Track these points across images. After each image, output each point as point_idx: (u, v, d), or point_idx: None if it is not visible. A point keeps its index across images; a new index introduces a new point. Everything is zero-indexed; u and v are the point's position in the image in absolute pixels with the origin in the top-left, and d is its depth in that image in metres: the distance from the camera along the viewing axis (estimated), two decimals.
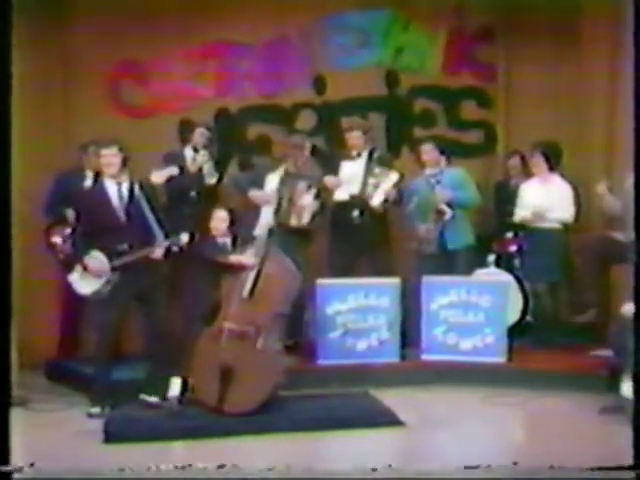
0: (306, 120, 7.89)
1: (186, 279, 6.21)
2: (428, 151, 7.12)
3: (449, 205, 6.91)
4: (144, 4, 7.22)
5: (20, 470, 4.00)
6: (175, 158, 6.99)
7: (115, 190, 5.67)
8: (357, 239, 6.89)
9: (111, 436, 5.04)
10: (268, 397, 5.41)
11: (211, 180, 7.05)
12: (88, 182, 6.58)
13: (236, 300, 5.58)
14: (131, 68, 7.53)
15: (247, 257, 5.68)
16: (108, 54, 7.35)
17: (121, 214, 5.64)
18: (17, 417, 4.26)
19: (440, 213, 6.89)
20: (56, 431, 5.29)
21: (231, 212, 6.23)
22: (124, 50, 7.38)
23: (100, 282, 5.56)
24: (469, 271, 7.01)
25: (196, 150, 7.07)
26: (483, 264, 7.35)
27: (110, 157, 5.66)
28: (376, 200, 6.87)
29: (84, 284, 5.63)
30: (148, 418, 5.41)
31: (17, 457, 3.97)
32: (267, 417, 5.35)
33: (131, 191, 5.69)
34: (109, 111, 7.41)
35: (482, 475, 4.23)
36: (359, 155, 7.05)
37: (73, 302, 6.39)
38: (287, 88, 7.84)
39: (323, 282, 6.54)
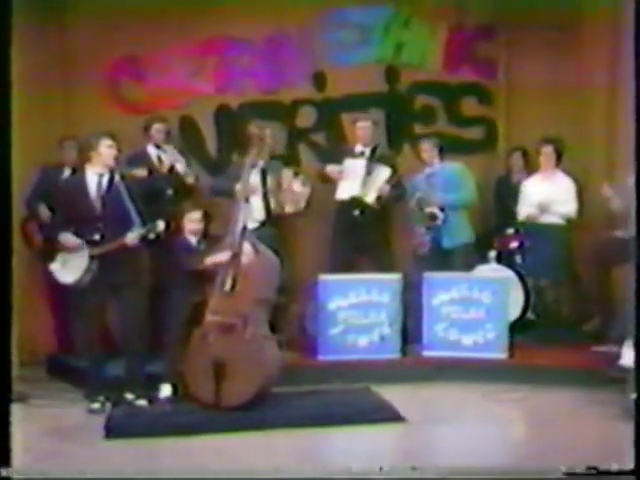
0: (306, 116, 7.89)
1: (164, 285, 6.22)
2: (426, 149, 7.13)
3: (443, 208, 6.92)
4: (143, 0, 7.22)
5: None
6: (140, 158, 6.90)
7: (95, 182, 5.68)
8: (359, 238, 6.91)
9: (112, 432, 5.06)
10: (264, 386, 5.45)
11: (189, 180, 6.97)
12: (67, 174, 6.68)
13: (219, 295, 5.59)
14: (131, 64, 7.52)
15: (222, 254, 5.67)
16: (108, 50, 7.35)
17: (97, 205, 5.65)
18: (18, 413, 4.25)
19: (432, 218, 6.90)
20: (57, 427, 5.30)
21: (205, 213, 6.21)
22: (124, 46, 7.38)
23: (81, 270, 5.57)
24: (465, 269, 6.97)
25: (159, 147, 7.01)
26: (483, 260, 7.36)
27: (114, 148, 5.73)
28: (370, 197, 6.96)
29: (66, 273, 5.63)
30: (149, 414, 5.43)
31: (18, 453, 3.96)
32: (268, 413, 5.37)
33: (110, 182, 5.69)
34: (109, 107, 7.40)
35: (481, 475, 4.22)
36: (362, 154, 7.11)
37: (64, 296, 6.37)
38: (287, 84, 7.83)
39: (325, 278, 6.55)
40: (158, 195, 6.69)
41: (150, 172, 6.78)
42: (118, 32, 7.26)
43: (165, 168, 6.91)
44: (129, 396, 5.65)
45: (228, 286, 5.58)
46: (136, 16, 7.21)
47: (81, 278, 5.57)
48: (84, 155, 5.79)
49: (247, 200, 5.96)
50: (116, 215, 5.61)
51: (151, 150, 6.99)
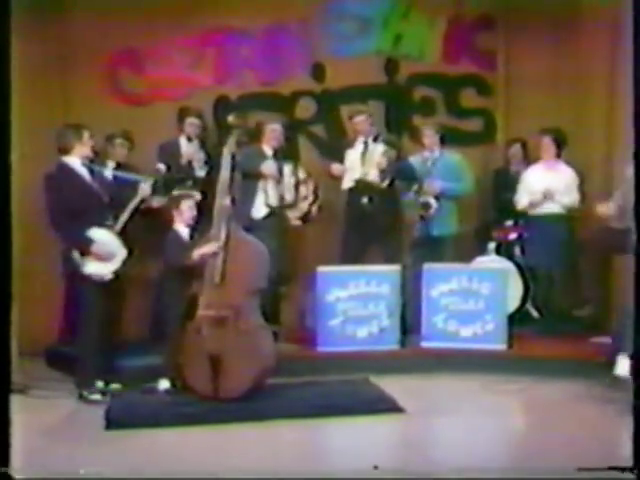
0: (305, 108, 7.90)
1: (159, 280, 6.24)
2: (429, 135, 7.15)
3: (437, 197, 6.92)
4: None
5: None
6: (171, 147, 7.00)
7: (84, 171, 5.74)
8: (368, 227, 6.91)
9: (113, 423, 5.07)
10: (261, 376, 5.48)
11: (200, 173, 7.02)
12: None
13: (210, 287, 5.59)
14: (130, 56, 7.52)
15: (208, 246, 5.65)
16: (107, 42, 7.33)
17: (98, 190, 5.72)
18: (17, 404, 4.25)
19: (426, 207, 6.90)
20: (57, 418, 5.32)
21: (197, 203, 6.17)
22: (123, 38, 7.36)
23: (120, 258, 5.67)
24: (454, 258, 6.98)
25: (190, 139, 7.06)
26: (482, 252, 7.37)
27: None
28: (371, 175, 6.95)
29: (103, 267, 5.64)
30: (149, 405, 5.44)
31: (17, 445, 3.97)
32: (267, 404, 5.39)
33: (90, 169, 5.80)
34: (108, 99, 7.41)
35: (481, 474, 4.23)
36: (365, 143, 7.09)
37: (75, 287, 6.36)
38: (286, 76, 7.83)
39: (323, 269, 6.55)
40: (180, 185, 6.75)
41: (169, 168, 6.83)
42: (117, 24, 7.24)
43: (186, 159, 6.99)
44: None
45: (218, 278, 5.58)
46: (135, 7, 7.20)
47: (121, 265, 5.67)
48: (67, 145, 5.75)
49: (230, 191, 5.92)
50: (119, 191, 5.79)
51: (182, 142, 7.07)
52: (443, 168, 7.02)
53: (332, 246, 7.23)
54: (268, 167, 6.74)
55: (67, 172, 5.72)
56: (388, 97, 8.02)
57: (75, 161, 5.73)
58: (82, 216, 5.59)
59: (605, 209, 6.10)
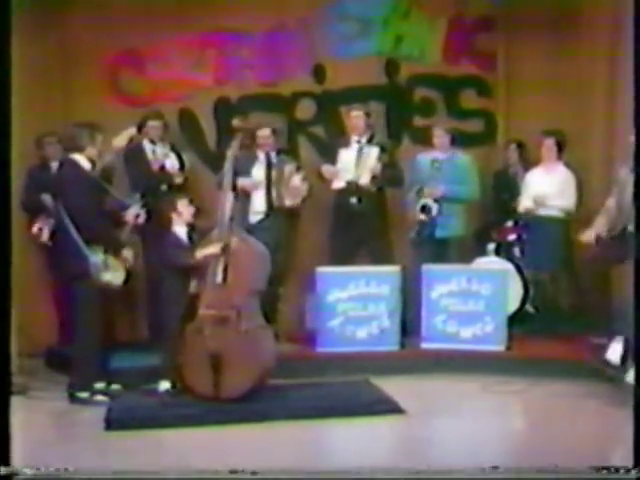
0: (306, 109, 7.89)
1: (157, 281, 6.23)
2: (439, 134, 7.13)
3: (438, 200, 6.90)
4: None
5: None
6: (135, 152, 6.94)
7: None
8: (357, 226, 6.91)
9: (113, 424, 5.07)
10: (262, 376, 5.48)
11: (178, 180, 6.97)
12: (54, 168, 6.48)
13: (211, 288, 5.60)
14: (130, 57, 7.51)
15: (211, 247, 5.65)
16: (107, 43, 7.33)
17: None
18: (17, 405, 4.27)
19: (425, 210, 6.89)
20: (57, 419, 5.32)
21: (191, 201, 6.12)
22: (123, 39, 7.36)
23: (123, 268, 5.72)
24: (458, 260, 6.98)
25: (154, 142, 7.03)
26: (482, 253, 7.37)
27: None
28: (363, 179, 6.93)
29: (120, 275, 5.71)
30: (149, 406, 5.45)
31: (18, 445, 3.97)
32: (267, 405, 5.39)
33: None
34: (109, 100, 7.40)
35: (481, 474, 4.23)
36: (358, 142, 7.07)
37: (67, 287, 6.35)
38: (287, 77, 7.82)
39: (323, 270, 6.56)
40: (152, 189, 6.71)
41: (139, 130, 6.90)
42: (118, 25, 7.26)
43: (157, 164, 6.94)
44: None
45: (219, 278, 5.59)
46: (136, 8, 7.22)
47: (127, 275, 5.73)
48: (79, 144, 5.71)
49: (234, 192, 5.94)
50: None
51: (146, 145, 7.01)
52: (451, 170, 6.98)
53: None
54: (247, 183, 6.77)
55: (77, 168, 5.67)
56: (388, 98, 8.01)
57: (84, 160, 5.69)
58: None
59: (587, 237, 6.13)
